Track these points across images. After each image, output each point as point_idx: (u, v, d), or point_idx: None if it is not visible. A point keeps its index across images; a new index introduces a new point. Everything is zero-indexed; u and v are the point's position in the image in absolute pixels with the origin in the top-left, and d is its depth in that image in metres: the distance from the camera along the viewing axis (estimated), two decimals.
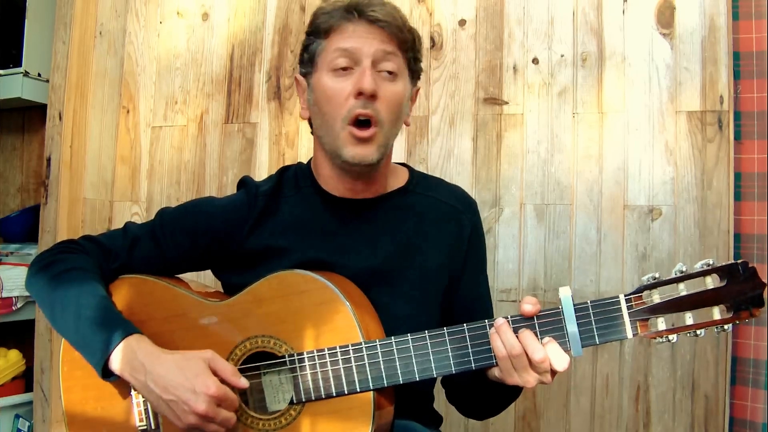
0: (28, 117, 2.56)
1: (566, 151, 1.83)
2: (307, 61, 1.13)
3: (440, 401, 1.25)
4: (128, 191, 2.25)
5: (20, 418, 2.17)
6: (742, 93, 1.66)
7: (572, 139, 1.83)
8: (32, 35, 2.29)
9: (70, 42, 2.11)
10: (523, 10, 1.90)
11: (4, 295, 2.13)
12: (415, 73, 1.15)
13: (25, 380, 2.24)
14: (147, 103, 2.26)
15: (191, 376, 0.97)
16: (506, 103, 1.89)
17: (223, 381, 0.99)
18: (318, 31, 1.11)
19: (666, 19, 1.77)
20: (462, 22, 1.94)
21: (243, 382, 1.01)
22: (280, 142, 2.08)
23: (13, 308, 2.16)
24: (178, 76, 2.23)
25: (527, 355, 0.95)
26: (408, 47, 1.11)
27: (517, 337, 0.96)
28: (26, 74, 2.28)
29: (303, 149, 2.05)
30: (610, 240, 1.77)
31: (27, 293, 2.17)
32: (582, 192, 1.81)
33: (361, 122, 1.07)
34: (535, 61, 1.87)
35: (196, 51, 2.21)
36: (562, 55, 1.85)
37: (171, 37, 2.25)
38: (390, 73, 1.09)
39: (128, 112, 2.27)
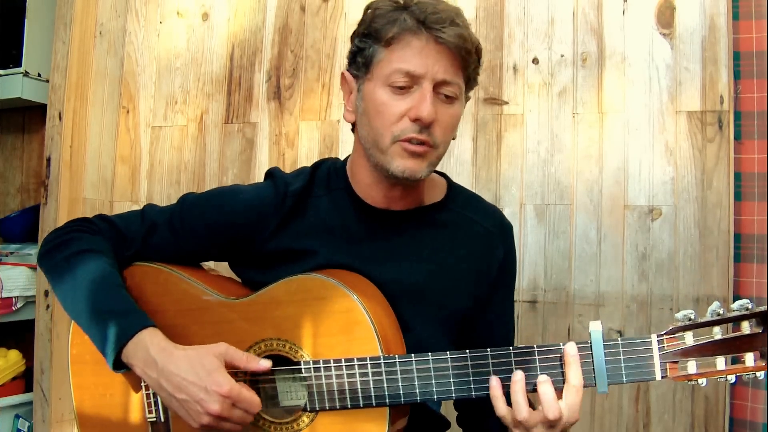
0: (28, 117, 2.56)
1: (566, 151, 1.83)
2: (361, 65, 1.05)
3: (445, 404, 1.24)
4: (128, 191, 2.25)
5: (20, 418, 2.17)
6: (742, 93, 1.66)
7: (572, 139, 1.83)
8: (32, 35, 2.29)
9: (70, 42, 2.11)
10: (523, 10, 1.90)
11: (4, 295, 2.13)
12: (470, 89, 1.09)
13: (25, 380, 2.24)
14: (147, 103, 2.26)
15: (204, 375, 0.94)
16: (506, 103, 1.89)
17: (240, 370, 0.97)
18: (377, 36, 1.02)
19: (666, 19, 1.77)
20: None
21: (262, 364, 0.97)
22: (280, 142, 2.08)
23: (13, 308, 2.16)
24: (178, 76, 2.23)
25: (543, 413, 0.91)
26: (471, 68, 1.06)
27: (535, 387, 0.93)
28: (26, 74, 2.28)
29: (303, 149, 2.05)
30: (610, 240, 1.77)
31: (27, 293, 2.17)
32: (582, 192, 1.81)
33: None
34: (535, 61, 1.87)
35: (196, 51, 2.21)
36: (562, 55, 1.85)
37: (171, 37, 2.25)
38: (448, 96, 1.03)
39: (128, 112, 2.27)
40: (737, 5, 1.66)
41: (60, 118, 2.10)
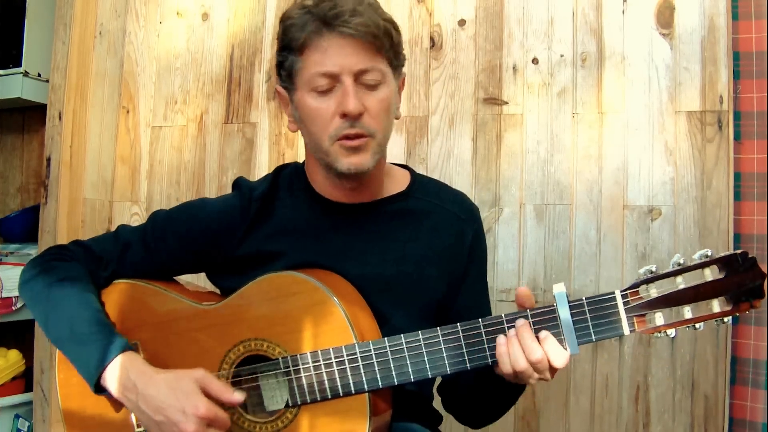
0: (28, 117, 2.56)
1: (566, 151, 1.83)
2: (286, 78, 1.09)
3: (439, 400, 1.24)
4: (128, 191, 2.25)
5: (20, 418, 2.17)
6: (742, 93, 1.66)
7: (572, 139, 1.83)
8: (32, 35, 2.29)
9: (70, 42, 2.11)
10: (522, 10, 1.90)
11: (4, 295, 2.13)
12: (398, 65, 1.09)
13: (24, 380, 2.24)
14: (147, 103, 2.26)
15: (181, 397, 0.96)
16: (506, 103, 1.89)
17: (216, 399, 0.99)
18: (291, 47, 1.05)
19: (666, 19, 1.77)
20: (462, 22, 1.94)
21: (236, 398, 1.00)
22: (280, 142, 2.08)
23: (13, 308, 2.16)
24: (178, 76, 2.23)
25: (525, 355, 0.94)
26: (388, 48, 1.05)
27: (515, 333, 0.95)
28: (26, 74, 2.28)
29: (303, 149, 2.04)
30: (610, 240, 1.77)
31: None
32: (582, 192, 1.81)
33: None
34: (535, 61, 1.87)
35: (196, 51, 2.21)
36: (561, 55, 1.85)
37: (171, 37, 2.25)
38: (371, 84, 1.04)
39: (128, 112, 2.27)
40: (737, 5, 1.66)
41: (60, 119, 2.10)
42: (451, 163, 1.91)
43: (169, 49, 2.25)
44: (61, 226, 2.08)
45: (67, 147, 2.11)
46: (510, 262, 1.85)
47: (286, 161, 2.06)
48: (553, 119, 1.84)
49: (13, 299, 2.16)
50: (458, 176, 1.89)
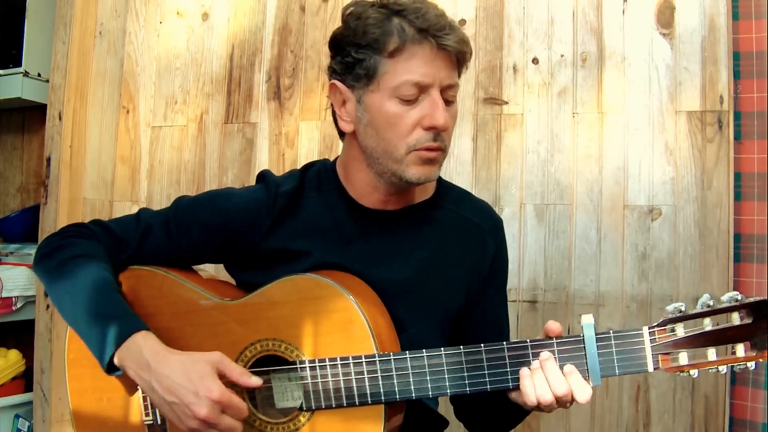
0: (28, 117, 2.56)
1: (566, 151, 1.83)
2: (362, 76, 1.04)
3: (443, 403, 1.24)
4: (128, 191, 2.25)
5: (20, 418, 2.17)
6: (742, 93, 1.66)
7: (572, 139, 1.83)
8: (32, 35, 2.29)
9: (70, 42, 2.11)
10: (523, 10, 1.90)
11: (4, 295, 2.13)
12: None
13: (24, 380, 2.24)
14: (147, 103, 2.26)
15: (195, 379, 0.94)
16: (506, 103, 1.89)
17: (232, 382, 0.97)
18: (377, 47, 1.01)
19: (666, 19, 1.77)
20: (462, 22, 1.94)
21: (254, 381, 0.98)
22: (280, 142, 2.08)
23: (13, 308, 2.16)
24: (178, 76, 2.23)
25: (550, 388, 0.93)
26: (465, 65, 1.08)
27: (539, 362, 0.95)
28: (26, 74, 2.28)
29: (303, 149, 2.05)
30: (610, 240, 1.77)
31: (27, 293, 2.17)
32: (582, 192, 1.81)
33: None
34: (535, 61, 1.87)
35: (196, 51, 2.21)
36: (562, 55, 1.85)
37: (171, 37, 2.25)
38: (450, 99, 1.05)
39: (128, 112, 2.27)
40: (737, 5, 1.66)
41: (60, 118, 2.10)
42: (451, 163, 1.91)
43: (169, 49, 2.25)
44: (61, 226, 2.07)
45: (67, 147, 2.11)
46: (510, 262, 1.83)
47: (286, 161, 2.06)
48: (553, 119, 1.84)
49: (13, 299, 2.16)
50: (458, 176, 1.89)
